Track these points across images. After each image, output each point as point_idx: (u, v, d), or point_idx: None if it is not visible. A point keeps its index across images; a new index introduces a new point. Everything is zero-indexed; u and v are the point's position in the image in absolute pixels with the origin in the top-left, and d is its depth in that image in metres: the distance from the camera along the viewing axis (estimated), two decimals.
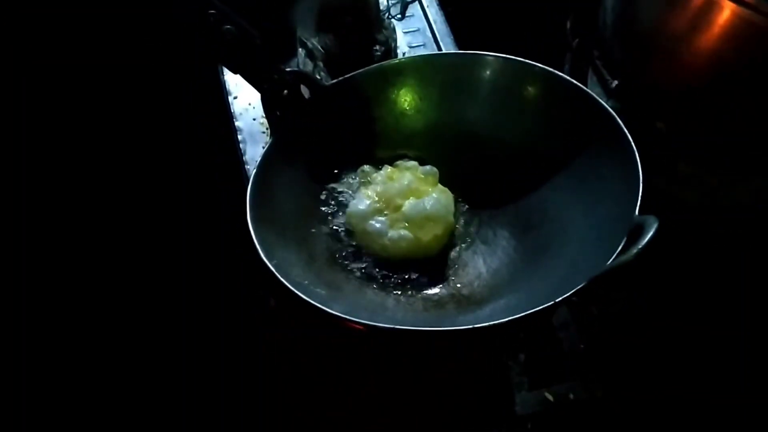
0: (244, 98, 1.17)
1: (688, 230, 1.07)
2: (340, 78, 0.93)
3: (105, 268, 1.34)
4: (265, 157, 0.86)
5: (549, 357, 1.10)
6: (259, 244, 0.76)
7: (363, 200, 0.88)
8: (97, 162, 1.38)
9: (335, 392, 1.02)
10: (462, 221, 0.91)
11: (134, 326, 1.28)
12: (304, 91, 0.91)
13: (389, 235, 0.85)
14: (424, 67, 0.94)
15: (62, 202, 1.35)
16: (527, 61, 0.89)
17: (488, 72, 0.91)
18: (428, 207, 0.87)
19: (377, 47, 1.17)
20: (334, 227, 0.88)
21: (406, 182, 0.90)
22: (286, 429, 1.06)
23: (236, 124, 1.16)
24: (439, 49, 1.24)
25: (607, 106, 0.82)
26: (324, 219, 0.89)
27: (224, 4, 0.83)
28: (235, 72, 0.87)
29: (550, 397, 1.04)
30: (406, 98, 0.95)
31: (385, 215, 0.87)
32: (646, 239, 0.66)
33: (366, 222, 0.86)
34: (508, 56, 0.90)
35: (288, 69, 0.87)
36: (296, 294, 0.72)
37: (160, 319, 1.29)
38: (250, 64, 0.84)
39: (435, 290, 0.85)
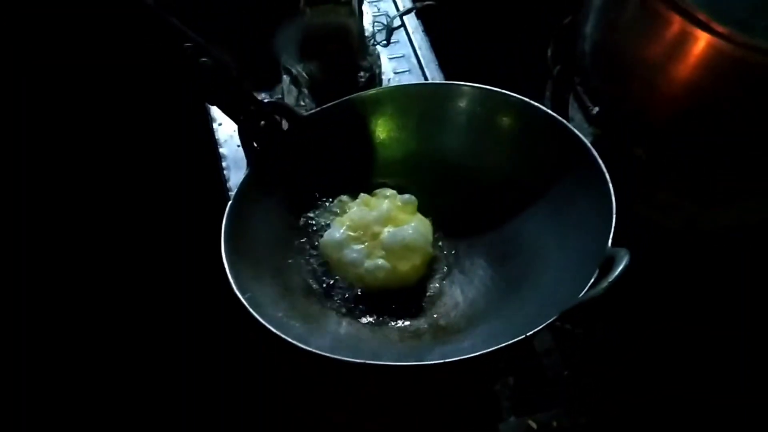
0: (230, 125, 1.17)
1: (670, 256, 1.07)
2: (317, 108, 0.94)
3: (105, 267, 1.34)
4: (241, 188, 0.86)
5: (533, 384, 1.09)
6: (232, 277, 0.76)
7: (338, 229, 0.87)
8: (96, 162, 1.39)
9: (335, 392, 1.01)
10: (440, 250, 0.91)
11: (134, 326, 1.28)
12: (282, 122, 0.91)
13: (366, 265, 0.85)
14: (402, 97, 0.94)
15: (62, 201, 1.36)
16: (503, 91, 0.89)
17: (465, 102, 0.92)
18: (407, 236, 0.87)
19: (362, 73, 1.18)
20: (311, 258, 0.88)
21: (384, 210, 0.89)
22: (286, 429, 1.05)
23: (220, 150, 1.16)
24: (424, 75, 1.24)
25: (581, 137, 0.82)
26: (301, 250, 0.89)
27: (209, 33, 0.84)
28: (211, 104, 0.87)
29: (534, 425, 1.03)
30: (384, 128, 0.95)
31: (362, 243, 0.87)
32: (617, 273, 0.66)
33: (341, 251, 0.86)
34: (483, 86, 0.90)
35: (265, 100, 0.87)
36: (268, 329, 0.72)
37: (160, 318, 1.29)
38: (226, 95, 0.84)
39: (412, 321, 0.85)
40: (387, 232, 0.87)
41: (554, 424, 1.03)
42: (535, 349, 1.11)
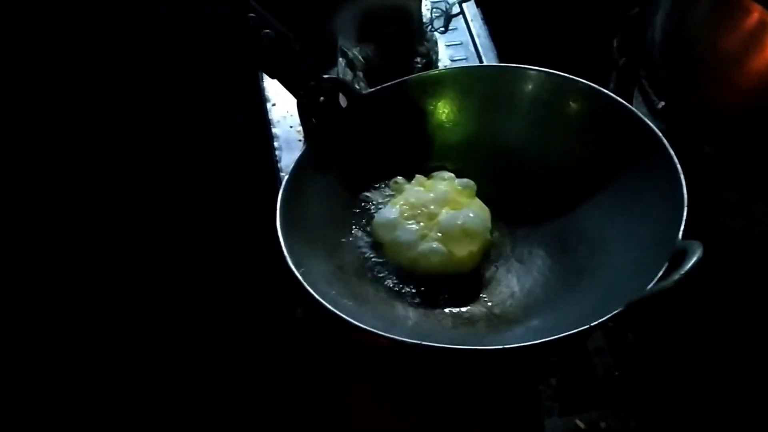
0: (283, 106, 1.16)
1: (732, 258, 1.03)
2: (378, 87, 0.92)
3: (105, 268, 1.34)
4: (299, 163, 0.85)
5: (582, 383, 1.07)
6: (287, 251, 0.75)
7: (391, 209, 0.86)
8: (96, 163, 1.39)
9: (335, 392, 1.00)
10: (497, 238, 0.88)
11: (134, 325, 1.28)
12: (342, 99, 0.89)
13: (420, 248, 0.83)
14: (464, 78, 0.92)
15: (63, 201, 1.36)
16: (569, 76, 0.87)
17: (529, 86, 0.90)
18: (467, 220, 0.85)
19: (418, 59, 1.16)
20: (365, 238, 0.87)
21: (442, 191, 0.87)
22: (286, 429, 1.05)
23: (273, 131, 1.15)
24: (482, 63, 1.22)
25: (652, 125, 0.79)
26: (355, 229, 0.87)
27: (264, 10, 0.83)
28: (272, 77, 0.86)
29: (581, 425, 1.01)
30: (444, 110, 0.94)
31: (418, 224, 0.85)
32: (689, 265, 0.63)
33: (393, 232, 0.84)
34: (549, 70, 0.88)
35: (326, 76, 0.86)
36: (323, 304, 0.71)
37: (160, 318, 1.28)
38: (287, 69, 0.84)
39: (466, 308, 0.83)
40: (445, 214, 0.85)
41: (602, 425, 1.01)
42: (586, 347, 1.08)
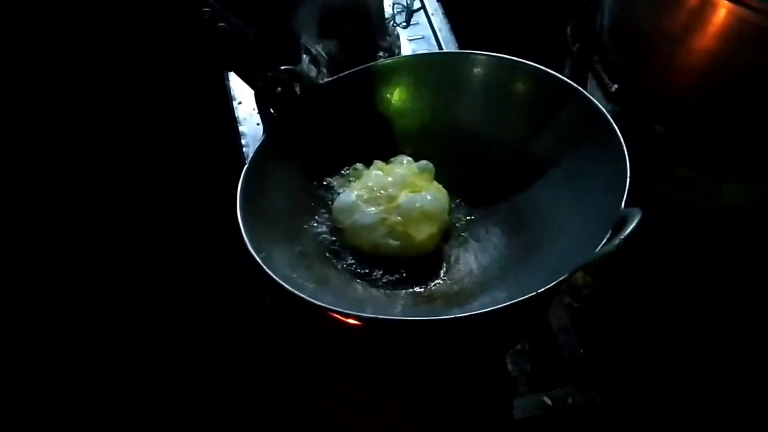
0: (249, 104, 1.18)
1: (689, 232, 1.06)
2: (334, 77, 0.94)
3: (106, 268, 1.36)
4: (257, 153, 0.86)
5: (548, 361, 1.09)
6: (247, 237, 0.76)
7: (349, 194, 0.87)
8: (96, 162, 1.40)
9: (335, 392, 1.02)
10: (456, 219, 0.90)
11: (135, 326, 1.29)
12: (298, 89, 0.91)
13: (380, 232, 0.85)
14: (418, 65, 0.95)
15: (64, 200, 1.38)
16: (517, 59, 0.89)
17: (480, 70, 0.92)
18: (426, 203, 0.86)
19: (381, 54, 1.18)
20: (326, 223, 0.88)
21: (400, 175, 0.89)
22: (285, 429, 1.06)
23: (240, 128, 1.17)
24: None
25: (595, 102, 0.82)
26: (316, 215, 0.89)
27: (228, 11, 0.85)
28: (229, 69, 0.88)
29: (549, 402, 1.03)
30: (400, 97, 0.96)
31: (377, 207, 0.86)
32: (629, 230, 0.66)
33: (352, 217, 0.85)
34: (499, 55, 0.90)
35: (282, 67, 0.87)
36: (283, 286, 0.73)
37: (160, 319, 1.30)
38: (243, 61, 0.85)
39: (426, 286, 0.85)
40: (404, 197, 0.86)
41: (569, 400, 1.03)
42: (551, 326, 1.11)
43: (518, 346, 1.03)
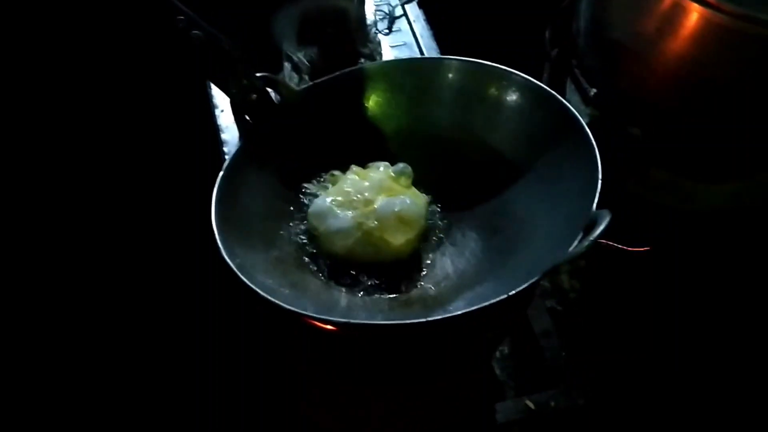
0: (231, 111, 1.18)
1: (667, 234, 1.07)
2: (310, 83, 0.95)
3: (106, 268, 1.37)
4: (233, 160, 0.87)
5: (531, 365, 1.09)
6: (222, 243, 0.76)
7: (324, 199, 0.87)
8: (97, 162, 1.41)
9: (317, 398, 1.02)
10: (432, 223, 0.90)
11: (135, 326, 1.30)
12: (274, 96, 0.92)
13: (356, 237, 0.84)
14: (394, 72, 0.95)
15: (76, 200, 1.39)
16: (491, 63, 0.90)
17: (455, 76, 0.93)
18: (402, 207, 0.85)
19: (362, 60, 1.19)
20: (303, 229, 0.89)
21: (377, 179, 0.88)
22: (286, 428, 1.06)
23: (222, 136, 1.17)
24: None
25: (567, 104, 0.82)
26: (292, 221, 0.89)
27: (205, 20, 0.85)
28: (204, 77, 0.88)
29: (531, 405, 1.03)
30: (377, 103, 0.96)
31: (353, 212, 0.85)
32: (597, 232, 0.66)
33: (326, 222, 0.85)
34: (472, 60, 0.91)
35: (257, 74, 0.88)
36: (257, 292, 0.73)
37: (160, 319, 1.30)
38: (218, 68, 0.85)
39: (402, 291, 0.85)
40: (381, 201, 0.86)
41: (552, 404, 1.03)
42: (533, 331, 1.11)
43: (504, 351, 1.03)
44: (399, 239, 0.86)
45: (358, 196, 0.86)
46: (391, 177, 0.89)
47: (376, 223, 0.85)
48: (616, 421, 1.07)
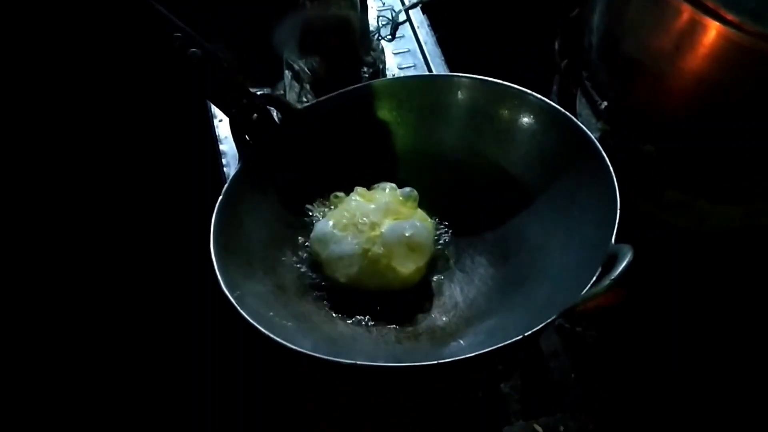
0: None
1: (678, 255, 1.04)
2: (313, 101, 0.91)
3: (105, 269, 1.35)
4: (232, 183, 0.83)
5: (539, 387, 1.07)
6: (221, 274, 0.73)
7: (327, 223, 0.83)
8: (92, 173, 1.39)
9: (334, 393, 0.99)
10: (439, 248, 0.87)
11: (134, 327, 1.28)
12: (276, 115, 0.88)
13: (361, 266, 0.81)
14: (400, 89, 0.92)
15: (76, 202, 1.37)
16: (502, 82, 0.86)
17: (465, 95, 0.89)
18: (412, 233, 0.81)
19: (365, 69, 1.15)
20: (304, 256, 0.85)
21: (383, 202, 0.84)
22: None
23: (221, 147, 1.14)
24: (430, 70, 1.22)
25: (583, 128, 0.79)
26: (295, 247, 0.86)
27: (207, 30, 0.82)
28: (202, 96, 0.85)
29: (539, 429, 1.01)
30: (382, 122, 0.92)
31: (358, 237, 0.81)
32: (620, 270, 0.63)
33: (329, 248, 0.81)
34: (483, 78, 0.88)
35: (258, 93, 0.85)
36: (258, 329, 0.70)
37: (160, 319, 1.28)
38: (217, 87, 0.82)
39: (409, 322, 0.82)
40: (387, 225, 0.82)
41: (561, 428, 1.01)
42: (541, 351, 1.08)
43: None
44: (408, 267, 0.82)
45: (364, 219, 0.83)
46: (398, 200, 0.86)
47: (382, 249, 0.81)
48: None
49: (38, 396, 1.22)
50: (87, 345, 1.27)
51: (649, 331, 1.13)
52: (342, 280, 0.81)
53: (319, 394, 0.98)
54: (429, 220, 0.87)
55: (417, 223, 0.84)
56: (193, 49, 0.79)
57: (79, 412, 1.20)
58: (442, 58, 1.27)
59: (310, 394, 0.99)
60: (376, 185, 0.89)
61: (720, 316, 1.10)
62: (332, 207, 0.88)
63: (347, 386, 0.92)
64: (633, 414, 1.07)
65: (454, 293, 0.84)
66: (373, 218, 0.83)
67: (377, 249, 0.81)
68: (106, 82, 1.35)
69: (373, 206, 0.85)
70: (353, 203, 0.85)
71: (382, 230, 0.82)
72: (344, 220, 0.83)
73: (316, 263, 0.84)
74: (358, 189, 0.87)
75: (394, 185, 0.88)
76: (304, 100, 1.08)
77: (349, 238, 0.82)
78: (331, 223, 0.83)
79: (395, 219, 0.84)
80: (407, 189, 0.88)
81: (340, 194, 0.88)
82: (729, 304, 1.09)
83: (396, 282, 0.81)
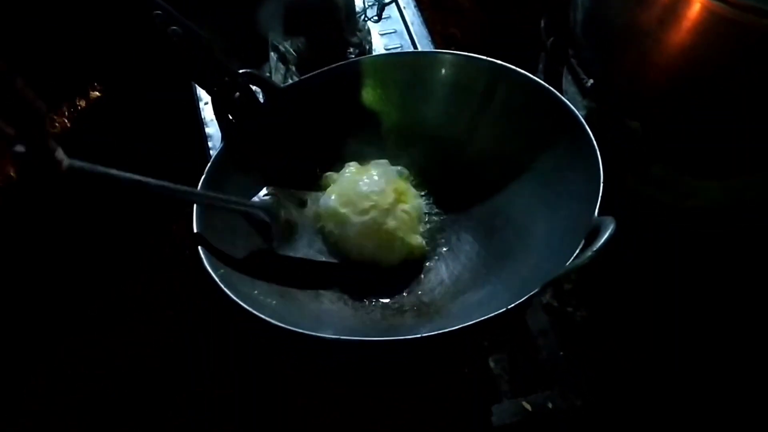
0: None
1: (663, 230, 1.04)
2: (296, 80, 0.90)
3: (103, 268, 1.34)
4: (215, 163, 0.82)
5: (527, 365, 1.07)
6: (204, 254, 0.73)
7: (330, 198, 0.85)
8: (85, 146, 1.37)
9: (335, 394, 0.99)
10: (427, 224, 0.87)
11: (134, 327, 1.27)
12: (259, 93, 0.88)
13: (375, 237, 0.82)
14: (383, 67, 0.91)
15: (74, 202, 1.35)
16: (487, 58, 0.85)
17: (449, 71, 0.88)
18: (420, 207, 0.86)
19: (351, 50, 1.15)
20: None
21: (389, 179, 0.86)
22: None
23: (207, 130, 1.13)
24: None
25: (567, 103, 0.78)
26: None
27: (188, 11, 0.81)
28: (183, 75, 0.84)
29: (528, 407, 1.01)
30: (366, 100, 0.92)
31: (367, 212, 0.83)
32: (602, 241, 0.63)
33: (341, 220, 0.82)
34: (468, 54, 0.87)
35: (240, 71, 0.83)
36: (242, 306, 0.69)
37: (160, 320, 1.27)
38: (198, 65, 0.81)
39: (395, 298, 0.81)
40: (393, 202, 0.84)
41: (549, 405, 1.01)
42: (529, 328, 1.08)
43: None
44: (417, 240, 0.85)
45: (374, 195, 0.83)
46: (402, 177, 0.88)
47: (395, 223, 0.83)
48: (615, 422, 1.05)
49: (29, 389, 1.22)
50: (78, 341, 1.26)
51: (638, 311, 1.13)
52: (352, 252, 0.83)
53: (311, 398, 0.99)
54: (418, 196, 0.88)
55: (422, 201, 0.87)
56: (174, 27, 0.78)
57: (79, 411, 1.20)
58: (429, 38, 1.26)
59: (303, 399, 1.00)
60: (373, 161, 0.89)
61: (707, 294, 1.10)
62: (324, 185, 0.88)
63: (341, 388, 0.92)
64: (620, 391, 1.07)
65: (440, 270, 0.84)
66: (382, 193, 0.84)
67: (390, 222, 0.83)
68: (92, 65, 1.34)
69: (382, 181, 0.85)
70: (355, 180, 0.86)
71: (389, 208, 0.84)
72: (348, 196, 0.84)
73: (322, 238, 0.84)
74: (352, 164, 0.88)
75: (386, 161, 0.89)
76: (290, 81, 1.08)
77: (360, 212, 0.83)
78: (335, 198, 0.84)
79: (401, 195, 0.85)
80: (398, 167, 0.89)
81: (333, 174, 0.88)
82: (716, 282, 1.09)
83: (402, 254, 0.84)
